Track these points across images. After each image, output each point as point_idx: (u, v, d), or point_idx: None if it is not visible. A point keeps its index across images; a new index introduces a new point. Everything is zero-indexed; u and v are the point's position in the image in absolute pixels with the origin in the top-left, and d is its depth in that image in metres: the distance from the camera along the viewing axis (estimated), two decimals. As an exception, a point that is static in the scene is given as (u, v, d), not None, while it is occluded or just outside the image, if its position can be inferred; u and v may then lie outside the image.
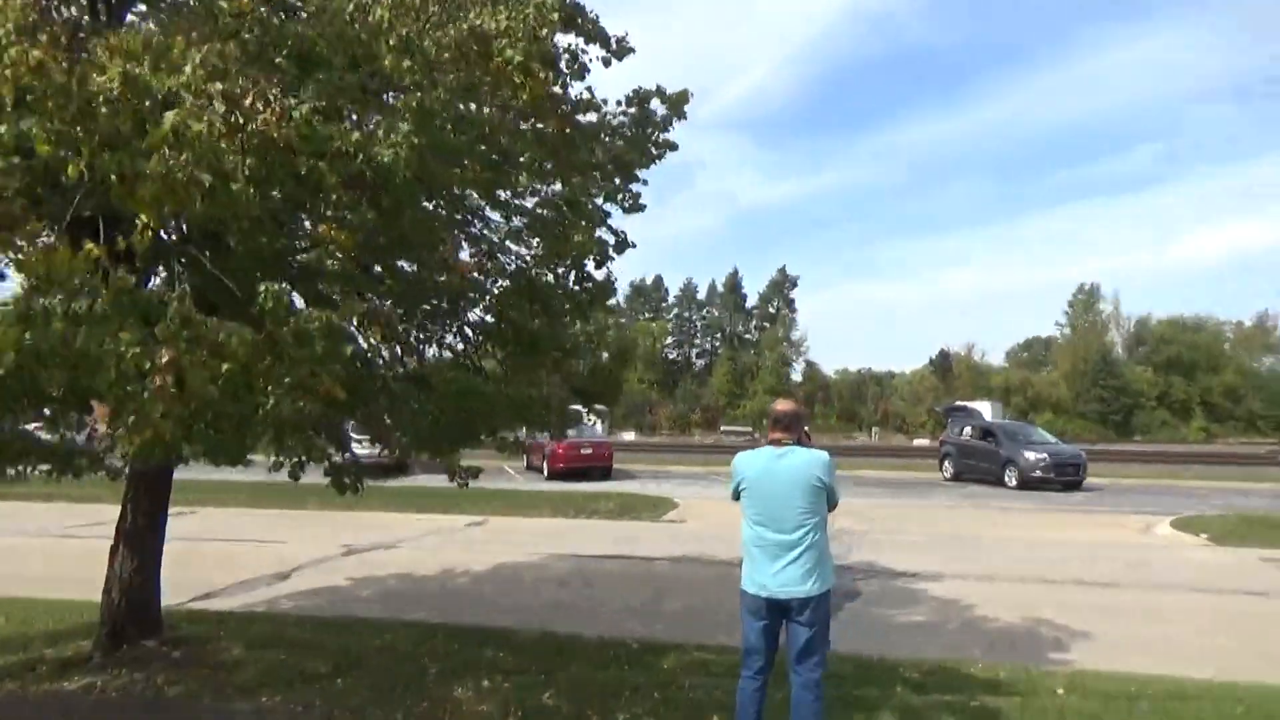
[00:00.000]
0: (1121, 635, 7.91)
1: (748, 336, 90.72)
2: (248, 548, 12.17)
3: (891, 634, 7.88)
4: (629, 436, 55.89)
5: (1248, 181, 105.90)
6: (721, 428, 62.05)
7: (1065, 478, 22.37)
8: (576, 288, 6.02)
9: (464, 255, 6.26)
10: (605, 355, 6.76)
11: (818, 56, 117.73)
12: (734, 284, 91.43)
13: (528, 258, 6.20)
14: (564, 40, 5.46)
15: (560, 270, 5.98)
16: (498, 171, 4.66)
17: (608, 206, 6.40)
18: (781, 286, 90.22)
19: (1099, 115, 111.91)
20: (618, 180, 6.17)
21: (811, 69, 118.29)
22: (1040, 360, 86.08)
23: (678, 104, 5.85)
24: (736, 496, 4.39)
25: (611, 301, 7.07)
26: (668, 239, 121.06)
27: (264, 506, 16.49)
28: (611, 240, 6.19)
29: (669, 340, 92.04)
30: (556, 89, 4.76)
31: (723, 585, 9.40)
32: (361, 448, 21.75)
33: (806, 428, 4.53)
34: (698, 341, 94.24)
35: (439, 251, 4.38)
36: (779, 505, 4.17)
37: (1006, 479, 22.89)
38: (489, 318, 5.93)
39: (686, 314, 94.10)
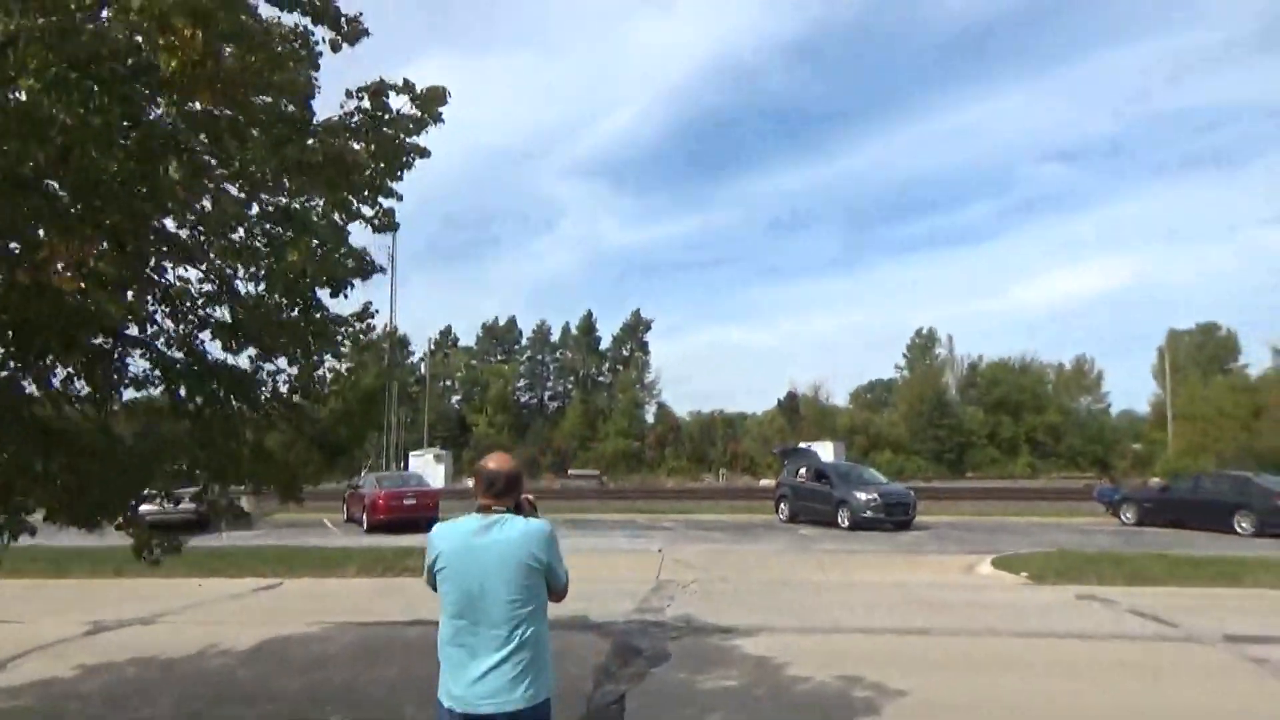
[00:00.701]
0: (937, 690, 7.41)
1: (601, 379, 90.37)
2: (-30, 630, 10.33)
3: (690, 705, 7.11)
4: (472, 483, 54.01)
5: (1071, 236, 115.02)
6: (569, 471, 60.90)
7: (895, 518, 22.49)
8: (299, 317, 4.99)
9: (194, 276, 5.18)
10: (346, 400, 5.70)
11: (682, 104, 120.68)
12: (588, 326, 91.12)
13: (248, 282, 5.16)
14: (289, 20, 4.56)
15: (283, 297, 4.94)
16: (146, 161, 3.62)
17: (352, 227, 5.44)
18: (635, 329, 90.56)
19: (941, 171, 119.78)
20: (365, 193, 5.23)
21: (675, 116, 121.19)
22: (882, 401, 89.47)
23: (430, 102, 4.96)
24: (432, 581, 3.40)
25: (375, 334, 6.07)
26: (524, 281, 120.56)
27: (15, 576, 14.36)
28: (350, 263, 5.22)
29: (520, 383, 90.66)
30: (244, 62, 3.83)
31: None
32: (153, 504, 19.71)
33: (529, 497, 3.58)
34: (550, 384, 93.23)
35: (28, 261, 3.30)
36: (483, 592, 3.22)
37: (840, 520, 22.85)
38: (177, 352, 4.85)
39: (539, 356, 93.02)
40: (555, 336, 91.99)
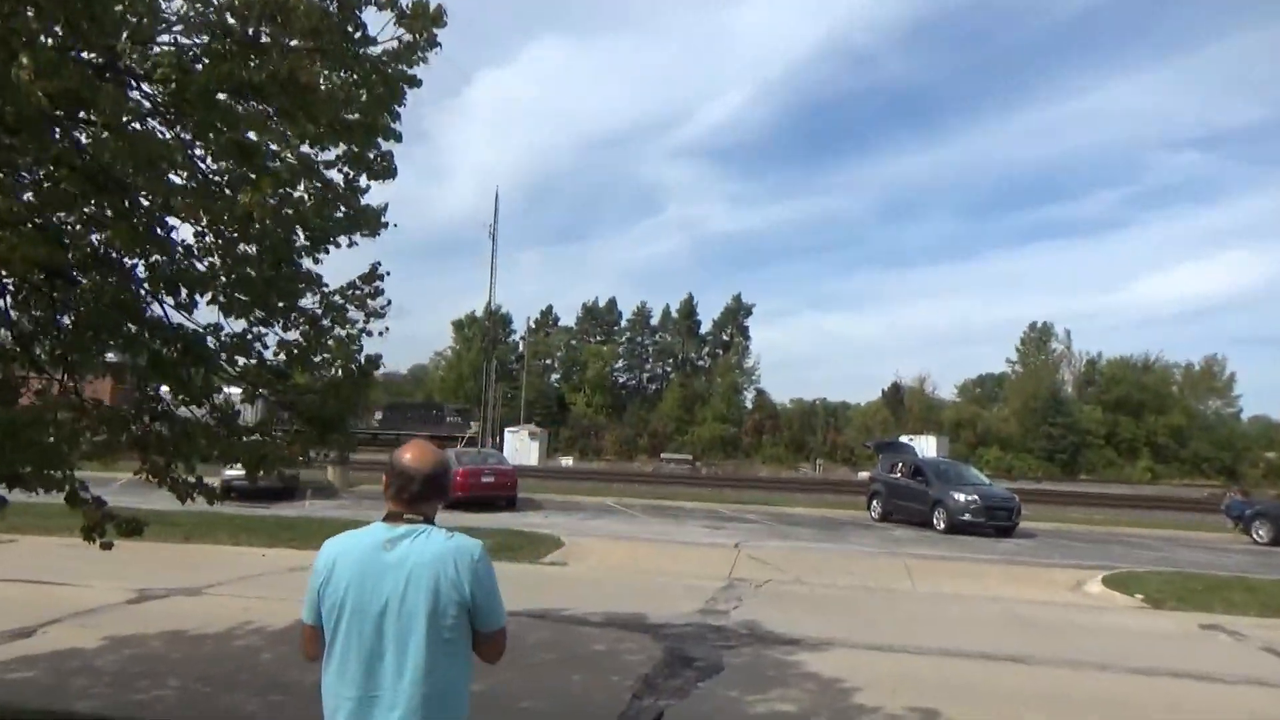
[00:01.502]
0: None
1: (700, 363, 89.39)
2: (21, 591, 10.26)
3: (735, 735, 6.26)
4: (567, 462, 53.99)
5: (1202, 229, 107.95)
6: (662, 455, 60.25)
7: (996, 522, 20.94)
8: (268, 272, 4.31)
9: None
10: (341, 371, 5.01)
11: (793, 88, 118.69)
12: (689, 309, 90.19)
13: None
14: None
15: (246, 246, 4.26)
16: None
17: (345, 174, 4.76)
18: (736, 314, 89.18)
19: (1063, 158, 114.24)
20: (353, 132, 4.50)
21: (786, 100, 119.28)
22: (991, 396, 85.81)
23: (419, 21, 4.15)
24: (315, 617, 2.56)
25: (380, 300, 5.38)
26: (629, 264, 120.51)
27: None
28: (341, 213, 4.51)
29: (619, 364, 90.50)
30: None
31: (562, 648, 7.75)
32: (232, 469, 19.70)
33: None
34: (649, 366, 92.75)
35: None
36: (381, 627, 2.40)
37: (935, 521, 21.41)
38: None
39: (639, 338, 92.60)
40: (655, 319, 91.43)
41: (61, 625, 8.59)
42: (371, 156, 4.62)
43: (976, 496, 21.27)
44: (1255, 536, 22.02)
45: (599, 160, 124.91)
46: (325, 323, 5.28)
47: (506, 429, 55.45)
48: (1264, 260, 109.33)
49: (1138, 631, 10.55)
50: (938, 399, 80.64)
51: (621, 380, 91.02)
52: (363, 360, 4.98)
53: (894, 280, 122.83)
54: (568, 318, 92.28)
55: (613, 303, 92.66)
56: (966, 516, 20.79)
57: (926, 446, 43.65)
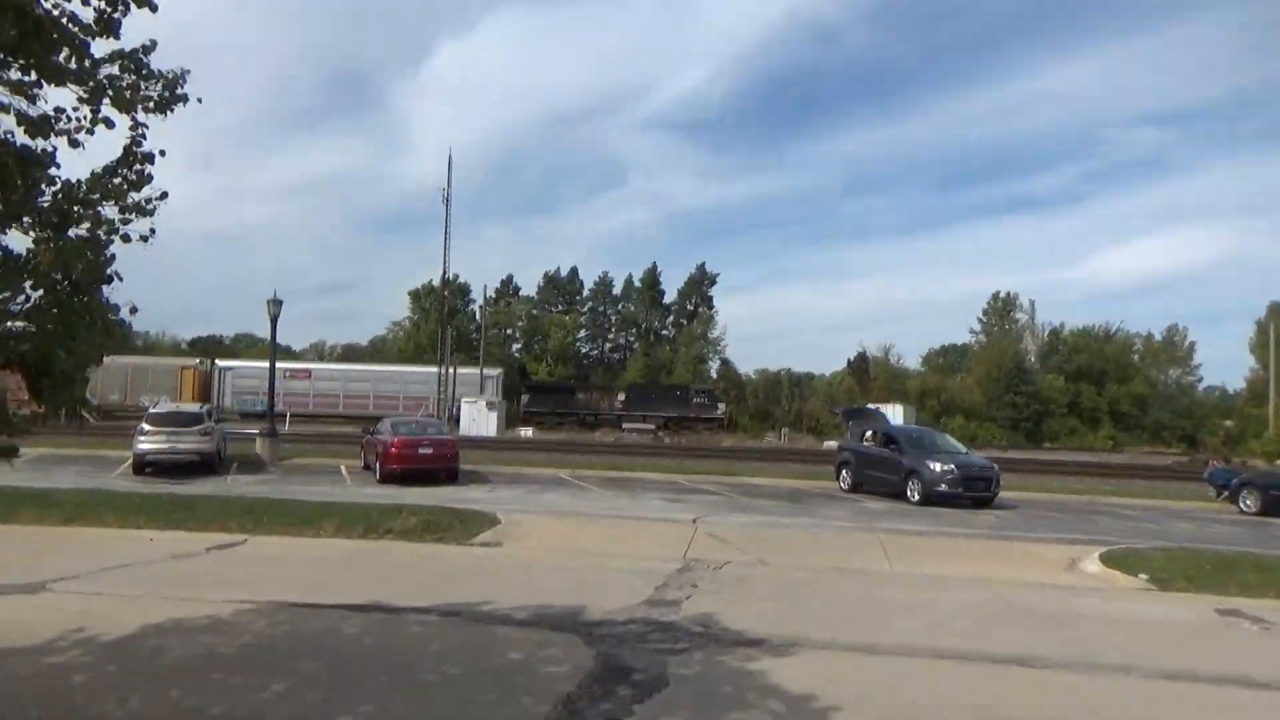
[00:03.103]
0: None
1: (664, 333, 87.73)
2: None
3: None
4: (526, 433, 52.16)
5: (1162, 203, 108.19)
6: (624, 425, 58.54)
7: (975, 493, 19.60)
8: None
9: None
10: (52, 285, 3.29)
11: (759, 62, 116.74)
12: (652, 280, 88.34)
13: None
14: None
15: None
16: None
17: None
18: (700, 284, 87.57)
19: (1026, 133, 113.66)
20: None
21: (752, 74, 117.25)
22: (955, 366, 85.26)
23: None
24: None
25: (147, 191, 3.65)
26: (593, 236, 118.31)
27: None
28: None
29: (582, 334, 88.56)
30: None
31: (469, 658, 6.09)
32: (184, 441, 17.72)
33: None
34: (612, 336, 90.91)
35: None
36: None
37: (909, 493, 20.01)
38: None
39: (601, 308, 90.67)
40: (618, 289, 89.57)
41: None
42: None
43: (953, 466, 19.87)
44: (1242, 506, 20.93)
45: (564, 133, 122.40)
46: (83, 230, 3.55)
47: (463, 399, 53.48)
48: (1218, 236, 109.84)
49: (1151, 621, 9.13)
50: (902, 369, 79.91)
51: (584, 350, 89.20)
52: (80, 269, 3.23)
53: (859, 254, 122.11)
54: (529, 288, 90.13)
55: (574, 272, 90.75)
56: (943, 487, 19.42)
57: (893, 415, 42.47)
